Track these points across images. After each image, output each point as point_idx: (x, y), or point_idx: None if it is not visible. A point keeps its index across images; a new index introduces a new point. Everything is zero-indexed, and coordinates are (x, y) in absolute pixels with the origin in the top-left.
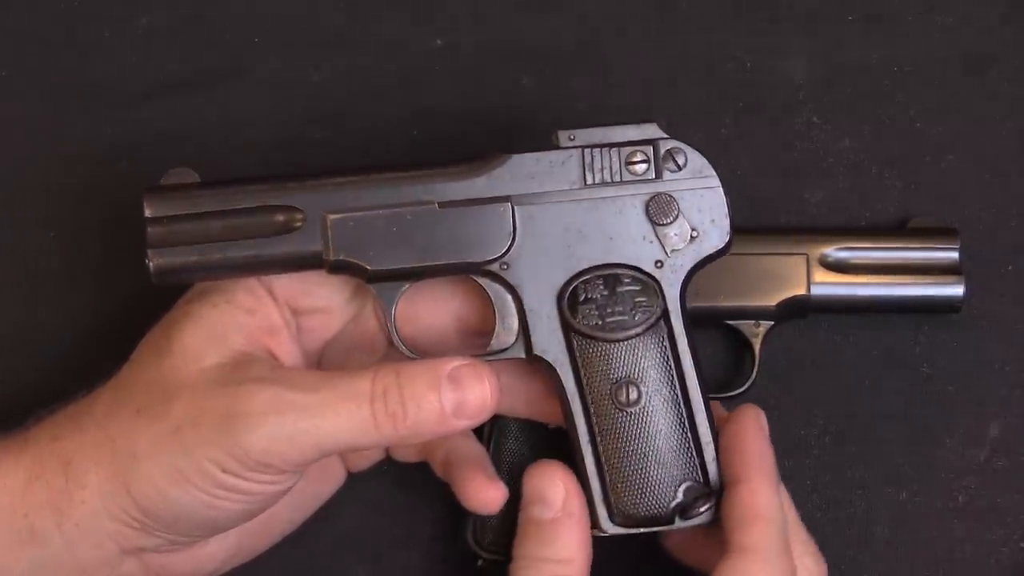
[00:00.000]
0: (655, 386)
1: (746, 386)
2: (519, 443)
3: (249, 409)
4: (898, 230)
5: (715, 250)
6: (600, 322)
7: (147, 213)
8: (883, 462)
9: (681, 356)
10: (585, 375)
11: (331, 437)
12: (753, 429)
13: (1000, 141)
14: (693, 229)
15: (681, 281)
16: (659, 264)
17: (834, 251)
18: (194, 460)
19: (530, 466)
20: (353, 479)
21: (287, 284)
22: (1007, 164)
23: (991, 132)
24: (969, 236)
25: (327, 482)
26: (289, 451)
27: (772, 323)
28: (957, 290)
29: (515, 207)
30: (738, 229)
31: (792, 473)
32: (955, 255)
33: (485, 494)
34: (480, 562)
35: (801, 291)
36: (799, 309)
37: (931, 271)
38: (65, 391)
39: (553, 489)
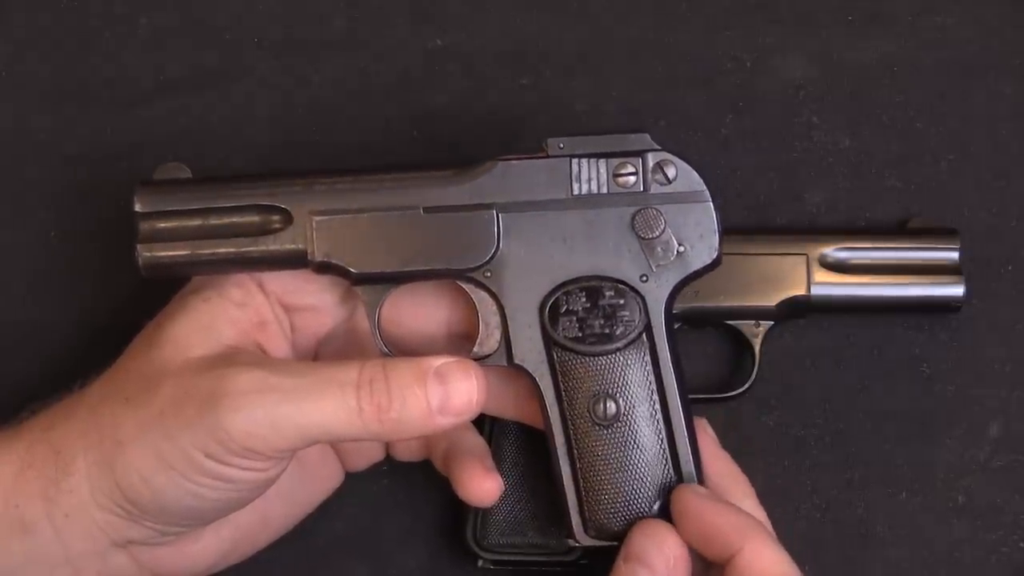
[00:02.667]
0: (635, 401)
1: (746, 386)
2: (519, 444)
3: (232, 390)
4: (898, 230)
5: (703, 266)
6: (580, 335)
7: (137, 207)
8: (883, 462)
9: (663, 372)
10: (564, 386)
11: (315, 423)
12: (710, 504)
13: (1000, 141)
14: (680, 244)
15: (666, 296)
16: (644, 278)
17: (834, 251)
18: (177, 445)
19: (642, 520)
20: (352, 479)
21: (278, 280)
22: (1007, 164)
23: (991, 132)
24: (969, 236)
25: (325, 482)
26: (272, 435)
27: (772, 323)
28: (957, 290)
29: (500, 215)
30: (738, 229)
31: (792, 473)
32: (955, 255)
33: (481, 485)
34: (480, 562)
35: (801, 291)
36: (799, 309)
37: (931, 271)
38: (64, 390)
39: (659, 556)
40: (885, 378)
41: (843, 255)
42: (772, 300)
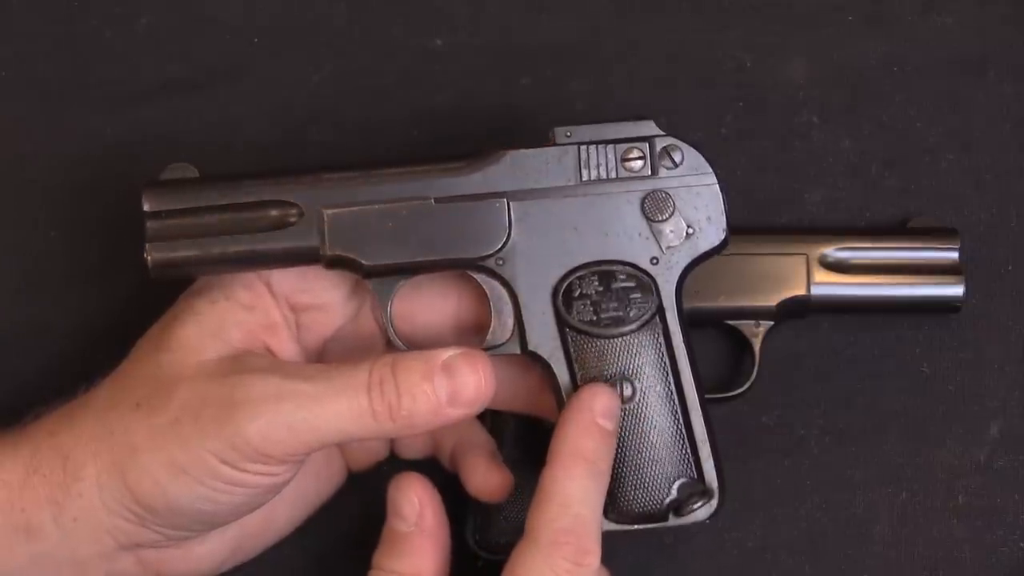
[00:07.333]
0: (649, 383)
1: (746, 386)
2: (517, 444)
3: (248, 397)
4: (898, 230)
5: (711, 247)
6: (594, 318)
7: (146, 207)
8: (883, 462)
9: (676, 353)
10: (579, 371)
11: (330, 426)
12: (574, 412)
13: (1000, 141)
14: (689, 226)
15: (677, 278)
16: (655, 261)
17: (834, 251)
18: (192, 452)
19: (394, 477)
20: (353, 479)
21: (285, 281)
22: (1007, 164)
23: (991, 132)
24: (969, 236)
25: (328, 481)
26: (289, 440)
27: (772, 323)
28: (957, 290)
29: (511, 203)
30: (738, 229)
31: (792, 473)
32: (955, 255)
33: (491, 481)
34: (480, 562)
35: (801, 291)
36: (799, 309)
37: (931, 271)
38: (65, 390)
39: (408, 504)
40: (885, 378)
41: (843, 255)
42: (772, 300)
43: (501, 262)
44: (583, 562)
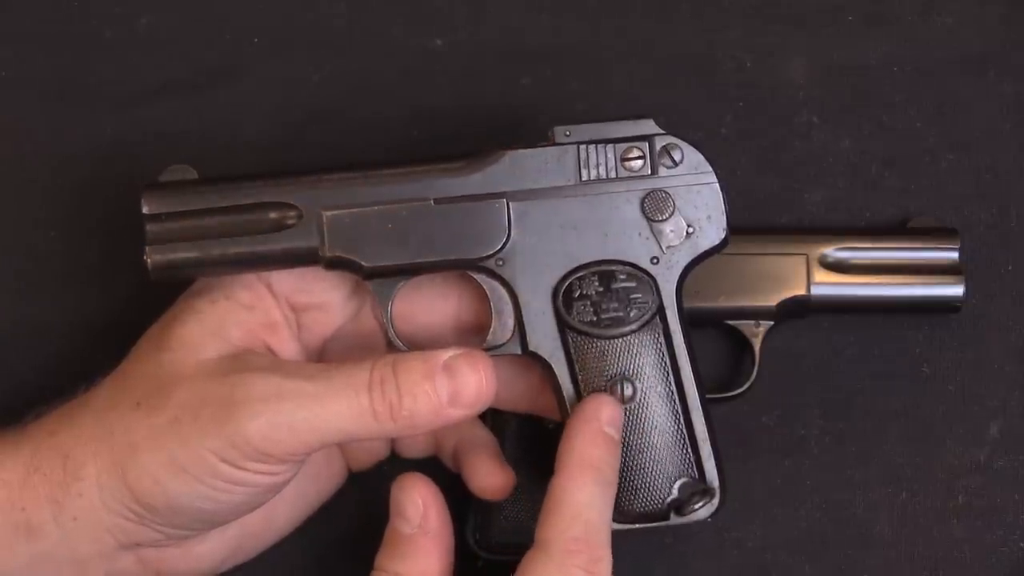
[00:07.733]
0: (650, 382)
1: (746, 386)
2: (518, 444)
3: (249, 396)
4: (898, 230)
5: (712, 246)
6: (595, 318)
7: (145, 210)
8: (883, 462)
9: (677, 353)
10: (580, 371)
11: (331, 425)
12: (580, 422)
13: (1000, 141)
14: (689, 225)
15: (677, 277)
16: (655, 260)
17: (834, 251)
18: (192, 451)
19: (397, 477)
20: (353, 479)
21: (286, 280)
22: (1007, 164)
23: (991, 132)
24: (969, 236)
25: (328, 481)
26: (289, 439)
27: (772, 323)
28: (957, 290)
29: (510, 203)
30: (738, 229)
31: (792, 473)
32: (955, 255)
33: (494, 480)
34: (480, 562)
35: (801, 291)
36: (799, 309)
37: (931, 271)
38: (65, 390)
39: (412, 505)
40: (885, 378)
41: (843, 255)
42: (772, 300)
43: (501, 262)
44: (595, 570)
